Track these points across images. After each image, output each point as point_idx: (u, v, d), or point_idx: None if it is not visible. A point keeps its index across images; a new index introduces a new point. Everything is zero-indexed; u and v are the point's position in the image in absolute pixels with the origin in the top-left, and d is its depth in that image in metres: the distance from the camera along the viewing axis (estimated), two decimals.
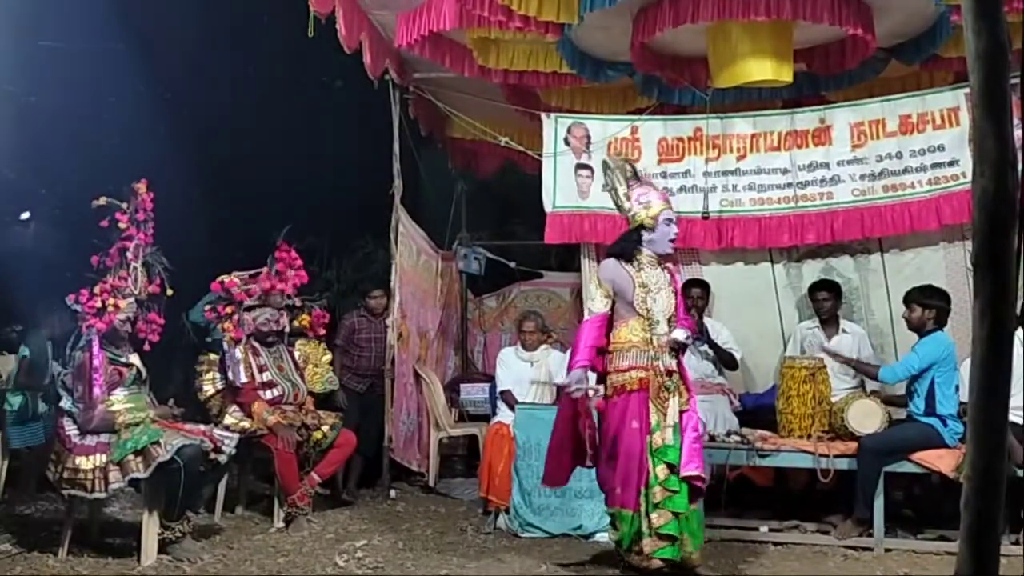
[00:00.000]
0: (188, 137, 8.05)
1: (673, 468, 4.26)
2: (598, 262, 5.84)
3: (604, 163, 4.66)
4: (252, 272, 5.86)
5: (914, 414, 5.17)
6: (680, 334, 4.40)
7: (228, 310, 5.74)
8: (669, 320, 4.44)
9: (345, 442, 5.79)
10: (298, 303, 6.03)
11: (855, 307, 6.24)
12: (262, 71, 8.55)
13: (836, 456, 5.09)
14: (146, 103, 7.29)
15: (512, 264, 7.85)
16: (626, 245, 4.46)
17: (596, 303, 4.38)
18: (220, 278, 5.81)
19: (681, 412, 4.35)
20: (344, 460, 5.97)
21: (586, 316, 4.40)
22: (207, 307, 5.89)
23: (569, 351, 5.46)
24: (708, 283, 6.20)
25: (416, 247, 6.98)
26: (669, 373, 4.35)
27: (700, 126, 6.16)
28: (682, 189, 6.20)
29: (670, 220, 4.49)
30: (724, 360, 6.02)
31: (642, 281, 4.40)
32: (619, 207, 4.60)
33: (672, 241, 4.51)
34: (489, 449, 5.81)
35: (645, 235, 4.42)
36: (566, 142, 6.28)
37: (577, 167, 6.28)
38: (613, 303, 4.45)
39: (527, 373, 6.28)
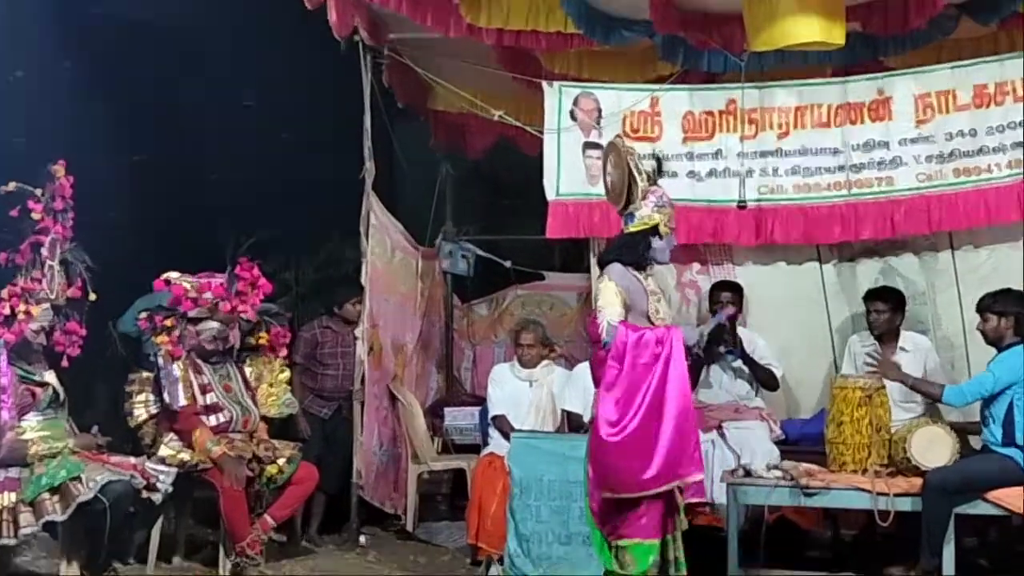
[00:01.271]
0: (116, 112, 8.01)
1: (681, 493, 4.52)
2: None
3: (612, 145, 4.68)
4: (204, 277, 5.82)
5: (990, 444, 5.16)
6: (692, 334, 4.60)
7: (168, 322, 5.70)
8: None
9: (305, 477, 5.77)
10: (254, 318, 5.99)
11: (920, 315, 6.22)
12: (207, 33, 8.51)
13: (897, 495, 5.08)
14: (65, 71, 7.27)
15: (507, 263, 7.84)
16: (635, 250, 4.56)
17: (613, 311, 4.42)
18: (166, 276, 5.76)
19: None
20: (304, 499, 5.96)
21: (609, 325, 4.41)
22: (141, 314, 5.85)
23: (583, 367, 5.50)
24: (741, 286, 6.20)
25: (391, 242, 6.97)
26: None
27: (734, 97, 6.14)
28: (712, 173, 6.19)
29: (674, 230, 4.64)
30: (762, 378, 6.01)
31: (652, 289, 4.58)
32: (611, 195, 4.65)
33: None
34: (479, 486, 5.80)
35: (655, 241, 4.55)
36: (572, 116, 6.27)
37: (585, 146, 6.26)
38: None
39: (525, 395, 6.27)
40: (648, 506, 4.34)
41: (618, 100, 6.28)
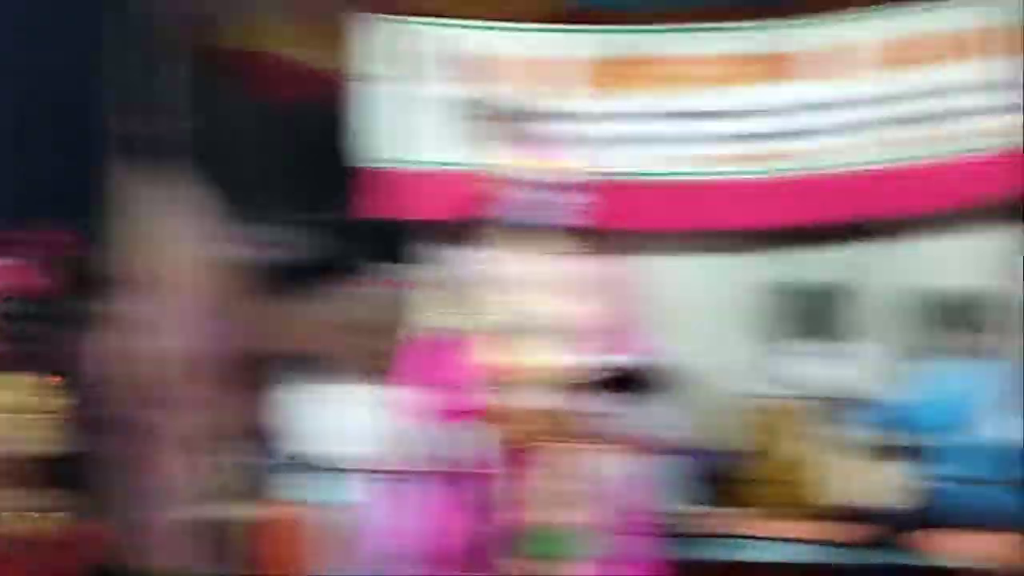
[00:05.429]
0: None
1: None
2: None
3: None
4: None
5: None
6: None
7: None
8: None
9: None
10: None
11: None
12: None
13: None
14: None
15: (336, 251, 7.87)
16: None
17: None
18: None
19: None
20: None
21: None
22: None
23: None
24: None
25: (171, 227, 6.99)
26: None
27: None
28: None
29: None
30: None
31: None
32: None
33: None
34: (271, 549, 5.79)
35: None
36: (396, 57, 6.47)
37: (415, 98, 6.48)
38: None
39: (344, 419, 6.31)
40: None
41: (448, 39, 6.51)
